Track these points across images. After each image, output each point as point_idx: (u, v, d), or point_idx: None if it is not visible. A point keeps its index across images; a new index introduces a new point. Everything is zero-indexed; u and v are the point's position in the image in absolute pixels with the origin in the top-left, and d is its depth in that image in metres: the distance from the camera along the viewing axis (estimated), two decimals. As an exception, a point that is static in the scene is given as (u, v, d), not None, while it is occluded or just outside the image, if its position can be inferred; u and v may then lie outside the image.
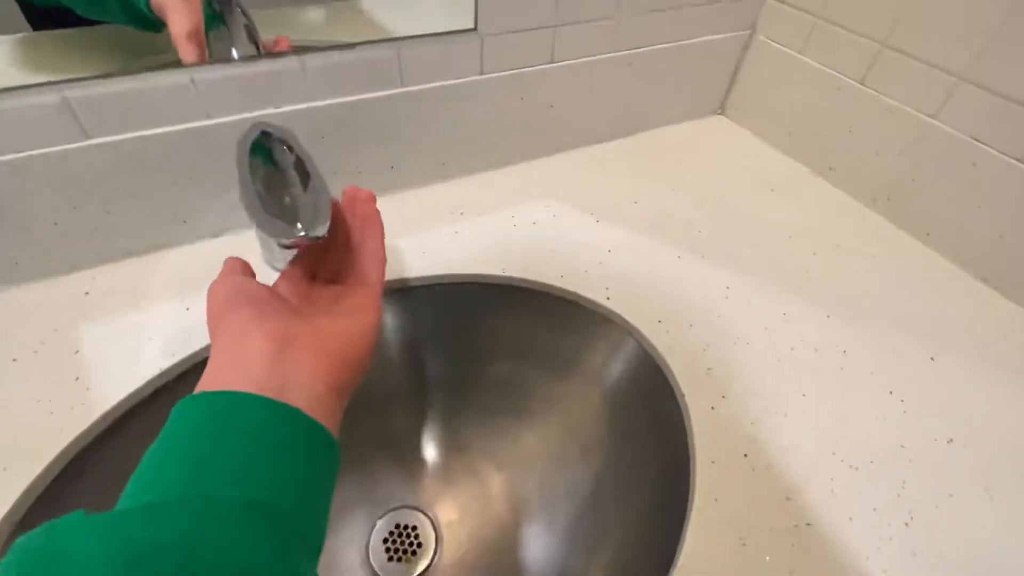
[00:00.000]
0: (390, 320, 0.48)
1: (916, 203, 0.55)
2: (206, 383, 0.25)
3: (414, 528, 0.48)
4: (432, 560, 0.46)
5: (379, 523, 0.48)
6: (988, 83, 0.47)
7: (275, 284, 0.32)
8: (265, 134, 0.35)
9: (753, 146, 0.68)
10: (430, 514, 0.49)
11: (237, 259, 0.33)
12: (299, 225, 0.28)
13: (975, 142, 0.49)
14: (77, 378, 0.37)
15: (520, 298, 0.48)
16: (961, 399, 0.42)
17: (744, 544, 0.33)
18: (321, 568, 0.23)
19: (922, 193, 0.54)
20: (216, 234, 0.48)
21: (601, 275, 0.48)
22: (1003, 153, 0.47)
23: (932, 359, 0.44)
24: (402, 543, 0.47)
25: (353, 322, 0.29)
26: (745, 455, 0.37)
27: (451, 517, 0.48)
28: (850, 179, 0.61)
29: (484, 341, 0.50)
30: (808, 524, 0.34)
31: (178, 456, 0.22)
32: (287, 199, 0.31)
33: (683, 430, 0.38)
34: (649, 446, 0.42)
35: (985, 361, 0.45)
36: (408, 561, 0.46)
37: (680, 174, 0.62)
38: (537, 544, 0.45)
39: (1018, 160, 0.47)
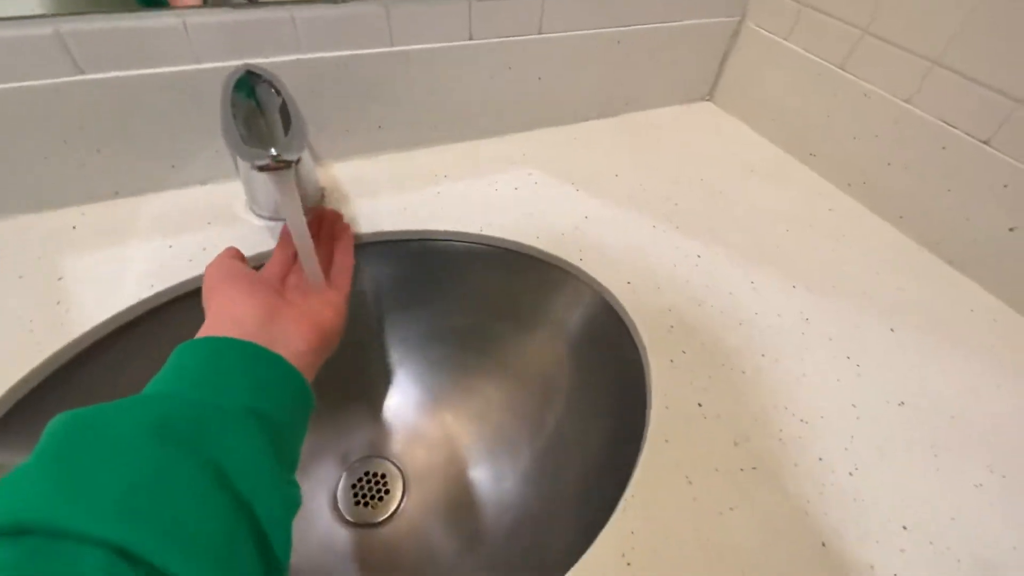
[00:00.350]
0: (367, 271, 0.49)
1: (890, 187, 0.56)
2: (203, 334, 0.28)
3: (382, 476, 0.49)
4: (399, 505, 0.47)
5: (347, 471, 0.49)
6: (960, 67, 0.48)
7: (260, 273, 0.36)
8: (252, 73, 0.37)
9: (738, 131, 0.69)
10: (398, 462, 0.50)
11: (234, 248, 0.38)
12: (273, 149, 0.29)
13: (946, 126, 0.50)
14: (58, 302, 0.39)
15: (496, 256, 0.49)
16: (917, 368, 0.43)
17: (690, 482, 0.34)
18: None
19: (896, 177, 0.56)
20: (203, 181, 0.49)
21: (576, 239, 0.49)
22: (971, 136, 0.49)
23: (892, 330, 0.46)
24: (370, 489, 0.48)
25: (325, 310, 0.33)
26: (699, 404, 0.38)
27: (419, 465, 0.50)
28: (829, 164, 0.62)
29: (458, 295, 0.51)
30: (754, 468, 0.35)
31: (183, 378, 0.24)
32: (265, 129, 0.33)
33: (642, 380, 0.40)
34: (609, 394, 0.43)
35: (944, 336, 0.46)
36: (375, 507, 0.47)
37: (663, 153, 0.63)
38: (501, 486, 0.46)
39: (985, 143, 0.48)
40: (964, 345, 0.45)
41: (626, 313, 0.44)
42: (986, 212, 0.49)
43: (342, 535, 0.46)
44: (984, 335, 0.47)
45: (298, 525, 0.45)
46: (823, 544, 0.32)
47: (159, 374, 0.25)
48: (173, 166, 0.47)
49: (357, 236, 0.47)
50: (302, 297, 0.34)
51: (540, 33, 0.55)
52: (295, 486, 0.25)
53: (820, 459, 0.36)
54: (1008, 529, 0.34)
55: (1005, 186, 0.47)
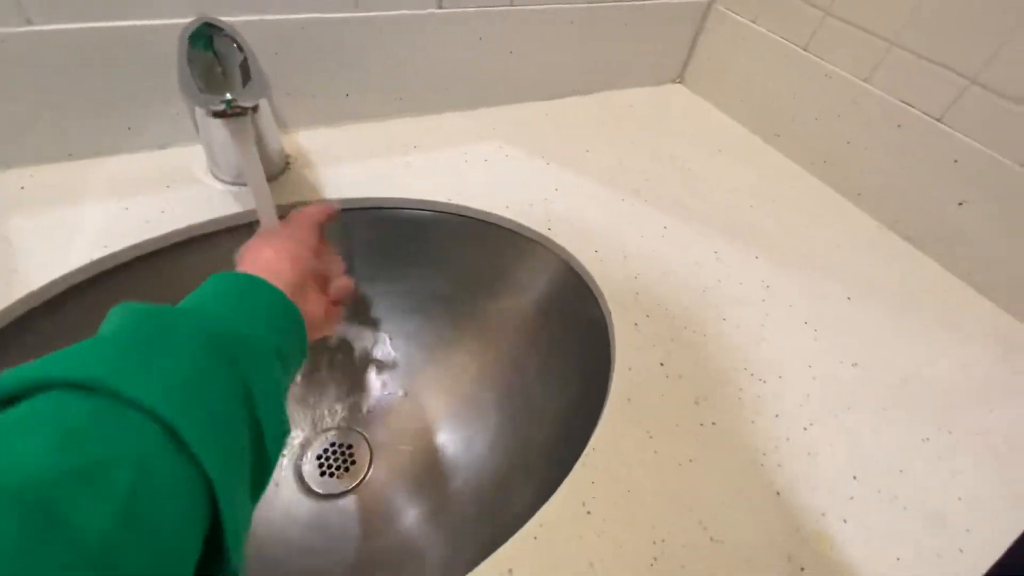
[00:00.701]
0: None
1: (850, 166, 0.58)
2: (243, 270, 0.30)
3: (349, 446, 0.49)
4: (365, 475, 0.47)
5: (314, 442, 0.49)
6: (915, 47, 0.50)
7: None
8: (210, 25, 0.36)
9: (707, 113, 0.71)
10: (365, 432, 0.49)
11: (329, 208, 0.40)
12: (229, 94, 0.29)
13: (902, 104, 0.52)
14: (3, 261, 0.37)
15: (465, 225, 0.49)
16: (870, 333, 0.44)
17: (650, 436, 0.34)
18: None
19: (855, 156, 0.57)
20: (162, 145, 0.48)
21: (545, 210, 0.50)
22: (925, 114, 0.51)
23: (848, 299, 0.47)
24: (336, 459, 0.48)
25: (328, 311, 0.35)
26: (661, 364, 0.39)
27: (386, 435, 0.49)
28: (793, 144, 0.64)
29: (426, 265, 0.51)
30: (713, 424, 0.36)
31: (223, 303, 0.27)
32: (222, 78, 0.32)
33: (607, 342, 0.40)
34: (576, 357, 0.44)
35: (897, 305, 0.47)
36: (341, 477, 0.47)
37: (633, 132, 0.64)
38: (470, 453, 0.46)
39: (938, 120, 0.50)
40: (915, 313, 0.47)
41: (592, 280, 0.44)
42: (938, 187, 0.51)
43: (307, 506, 0.45)
44: (934, 304, 0.48)
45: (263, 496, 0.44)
46: (777, 493, 0.33)
47: (198, 292, 0.27)
48: (130, 128, 0.46)
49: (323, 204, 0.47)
50: (321, 287, 0.36)
51: (512, 5, 0.55)
52: (288, 419, 0.27)
53: (776, 416, 0.37)
54: (952, 480, 0.36)
55: (955, 161, 0.49)
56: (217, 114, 0.29)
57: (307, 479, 0.47)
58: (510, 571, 0.27)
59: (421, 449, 0.48)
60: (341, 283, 0.37)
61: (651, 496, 0.31)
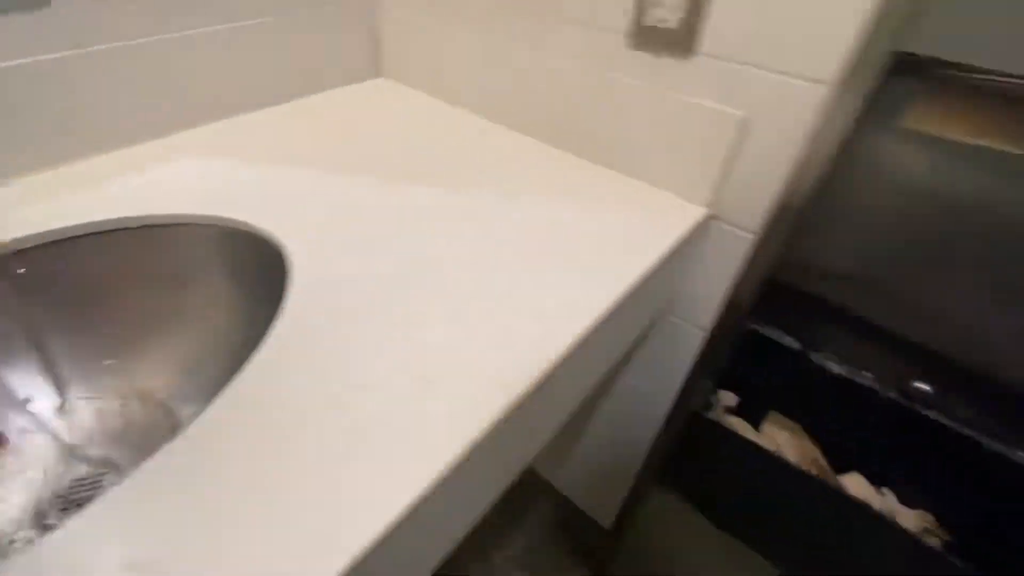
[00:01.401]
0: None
1: (506, 102, 0.71)
2: None
3: (87, 476, 0.48)
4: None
5: (46, 482, 0.48)
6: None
7: None
8: None
9: (406, 96, 0.80)
10: (102, 457, 0.49)
11: None
12: None
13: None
14: None
15: (153, 234, 0.51)
16: (539, 220, 0.55)
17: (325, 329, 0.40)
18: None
19: (510, 93, 0.70)
20: None
21: (246, 203, 0.53)
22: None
23: (509, 198, 0.58)
24: (83, 490, 0.47)
25: None
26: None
27: (125, 451, 0.50)
28: (471, 100, 0.75)
29: (118, 291, 0.52)
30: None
31: None
32: None
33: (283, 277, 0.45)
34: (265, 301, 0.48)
35: (552, 193, 0.59)
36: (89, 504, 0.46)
37: (338, 124, 0.71)
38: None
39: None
40: (570, 199, 0.59)
41: (278, 242, 0.49)
42: (579, 103, 0.65)
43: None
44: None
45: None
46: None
47: None
48: None
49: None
50: None
51: (161, 33, 0.58)
52: None
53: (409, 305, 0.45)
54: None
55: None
56: None
57: (50, 521, 0.45)
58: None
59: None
60: None
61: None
